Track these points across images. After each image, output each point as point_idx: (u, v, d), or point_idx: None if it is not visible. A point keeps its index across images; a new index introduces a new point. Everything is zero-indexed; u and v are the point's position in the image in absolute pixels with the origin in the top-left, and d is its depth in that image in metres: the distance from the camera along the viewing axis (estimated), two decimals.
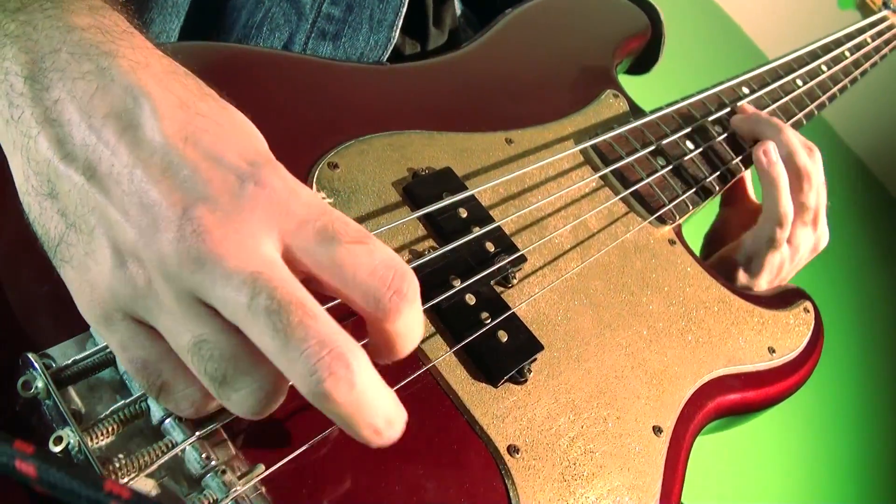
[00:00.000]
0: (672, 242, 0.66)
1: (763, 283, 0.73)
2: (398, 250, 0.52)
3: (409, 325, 0.34)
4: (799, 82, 0.92)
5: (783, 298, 0.71)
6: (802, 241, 0.73)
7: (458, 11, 0.82)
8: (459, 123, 0.62)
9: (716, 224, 0.84)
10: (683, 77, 1.42)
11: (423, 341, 0.49)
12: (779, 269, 0.73)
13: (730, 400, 0.60)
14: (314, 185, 0.52)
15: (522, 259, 0.55)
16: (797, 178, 0.70)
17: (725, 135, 0.77)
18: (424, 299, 0.50)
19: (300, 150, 0.53)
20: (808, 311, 0.70)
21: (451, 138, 0.60)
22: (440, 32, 0.74)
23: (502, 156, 0.62)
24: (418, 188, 0.55)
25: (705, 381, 0.58)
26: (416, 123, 0.60)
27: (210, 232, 0.30)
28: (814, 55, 0.99)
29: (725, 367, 0.60)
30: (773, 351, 0.65)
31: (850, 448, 2.47)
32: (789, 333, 0.67)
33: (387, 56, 0.64)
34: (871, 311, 2.93)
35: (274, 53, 0.59)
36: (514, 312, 0.52)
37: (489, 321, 0.51)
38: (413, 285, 0.33)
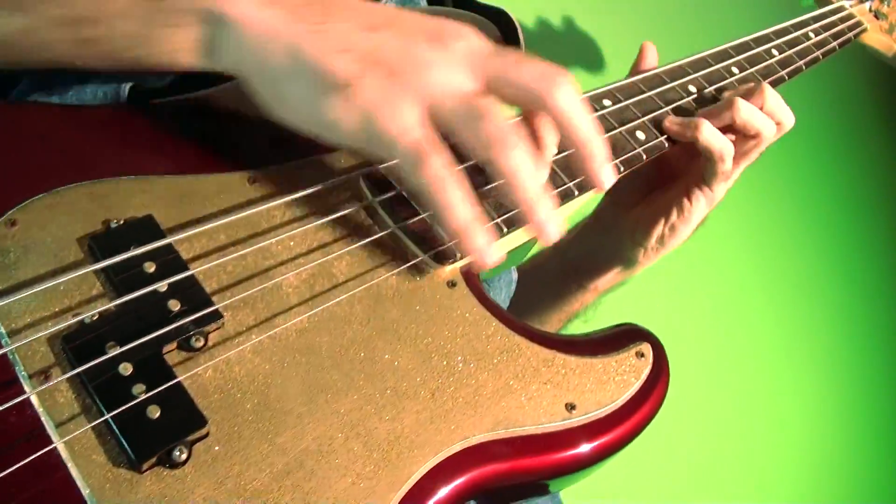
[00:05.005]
0: (452, 284, 0.57)
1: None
2: (63, 312, 0.46)
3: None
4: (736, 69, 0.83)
5: (613, 341, 0.60)
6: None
7: None
8: (193, 165, 0.56)
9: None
10: None
11: (60, 422, 0.42)
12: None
13: (494, 470, 0.50)
14: None
15: (216, 316, 0.48)
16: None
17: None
18: (65, 371, 0.44)
19: None
20: (643, 356, 0.59)
21: (175, 182, 0.54)
22: None
23: (239, 198, 0.55)
24: (104, 241, 0.49)
25: (456, 450, 0.50)
26: (133, 168, 0.54)
27: None
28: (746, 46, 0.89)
29: (491, 432, 0.51)
30: (573, 408, 0.55)
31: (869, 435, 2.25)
32: (603, 386, 0.57)
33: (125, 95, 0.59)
34: None
35: None
36: (178, 382, 0.45)
37: (142, 394, 0.44)
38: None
